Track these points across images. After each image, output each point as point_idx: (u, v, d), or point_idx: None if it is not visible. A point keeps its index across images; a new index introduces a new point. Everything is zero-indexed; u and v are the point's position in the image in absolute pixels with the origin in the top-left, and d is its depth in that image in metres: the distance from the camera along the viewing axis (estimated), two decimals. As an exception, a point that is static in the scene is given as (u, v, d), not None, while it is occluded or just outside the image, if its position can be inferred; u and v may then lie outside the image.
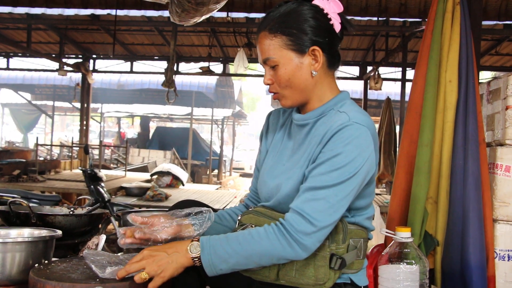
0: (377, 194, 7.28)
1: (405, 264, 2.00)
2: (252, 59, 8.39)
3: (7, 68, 10.84)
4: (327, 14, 1.56)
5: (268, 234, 1.43)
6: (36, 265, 1.73)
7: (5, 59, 10.54)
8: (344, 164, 1.43)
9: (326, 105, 1.59)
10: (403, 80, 7.37)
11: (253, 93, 31.74)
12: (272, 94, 1.63)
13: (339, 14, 1.58)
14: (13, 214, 2.41)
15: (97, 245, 2.52)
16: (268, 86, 1.62)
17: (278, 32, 1.54)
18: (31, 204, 2.52)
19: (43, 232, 1.94)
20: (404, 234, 2.03)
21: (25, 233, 1.97)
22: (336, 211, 1.45)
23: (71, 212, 2.68)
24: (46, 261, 1.79)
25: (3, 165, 8.15)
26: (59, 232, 1.92)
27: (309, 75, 1.56)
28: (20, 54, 10.39)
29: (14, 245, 1.71)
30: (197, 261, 1.45)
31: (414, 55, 8.85)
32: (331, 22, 1.56)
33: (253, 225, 1.56)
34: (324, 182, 1.43)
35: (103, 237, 2.23)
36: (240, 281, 1.55)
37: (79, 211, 2.75)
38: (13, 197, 5.66)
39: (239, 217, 1.66)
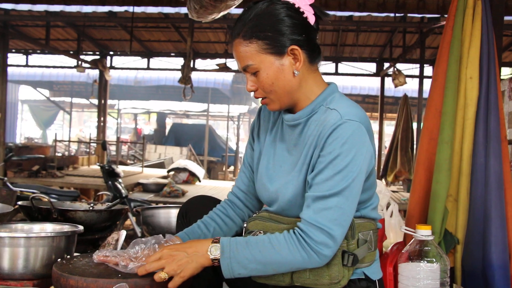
0: (394, 191, 7.23)
1: (425, 262, 1.98)
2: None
3: (26, 65, 10.95)
4: (299, 8, 1.51)
5: (288, 245, 1.42)
6: (59, 259, 1.75)
7: (24, 56, 10.66)
8: (344, 165, 1.42)
9: (315, 102, 1.55)
10: (421, 76, 7.30)
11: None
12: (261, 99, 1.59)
13: (310, 5, 1.53)
14: (35, 209, 2.44)
15: (117, 240, 2.54)
16: (253, 92, 1.58)
17: (253, 37, 1.49)
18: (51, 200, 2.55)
19: (66, 227, 1.97)
20: (424, 232, 2.02)
21: (48, 228, 2.00)
22: (349, 216, 1.45)
23: (91, 208, 2.70)
24: (68, 256, 1.81)
25: (23, 160, 8.26)
26: (81, 227, 1.95)
27: (292, 76, 1.51)
28: (38, 51, 10.50)
29: (38, 240, 1.74)
30: (216, 262, 1.45)
31: (432, 52, 8.76)
32: (305, 16, 1.52)
33: (261, 232, 1.55)
34: (331, 189, 1.42)
35: (123, 233, 2.25)
36: (255, 281, 1.55)
37: (99, 206, 2.79)
38: (34, 193, 5.75)
39: (245, 224, 1.66)
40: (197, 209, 1.82)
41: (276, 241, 1.43)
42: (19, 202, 2.57)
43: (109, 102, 11.68)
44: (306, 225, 1.43)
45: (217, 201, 1.89)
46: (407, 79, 9.54)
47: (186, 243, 1.51)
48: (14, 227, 1.97)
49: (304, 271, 1.47)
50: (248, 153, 1.80)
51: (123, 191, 6.27)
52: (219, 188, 8.42)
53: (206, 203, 1.87)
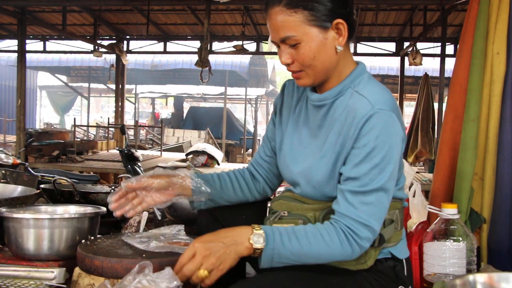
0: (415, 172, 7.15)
1: (451, 241, 1.95)
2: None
3: (44, 51, 11.02)
4: None
5: (340, 241, 1.38)
6: (83, 241, 1.77)
7: (42, 42, 10.72)
8: (381, 158, 1.39)
9: (344, 83, 1.50)
10: (442, 55, 7.15)
11: (287, 72, 31.38)
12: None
13: None
14: (57, 192, 2.46)
15: (138, 222, 2.55)
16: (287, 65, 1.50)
17: (298, 6, 1.39)
18: (73, 183, 2.56)
19: (89, 209, 1.97)
20: (450, 211, 1.99)
21: (71, 210, 2.01)
22: (387, 208, 1.44)
23: (112, 190, 2.71)
24: (92, 237, 1.82)
25: (43, 146, 8.35)
26: (104, 208, 1.95)
27: (334, 51, 1.45)
28: (56, 37, 10.54)
29: (62, 221, 1.75)
30: (258, 252, 1.37)
31: (454, 30, 8.59)
32: None
33: (285, 212, 1.54)
34: (370, 183, 1.39)
35: (145, 215, 2.26)
36: None
37: (120, 189, 2.79)
38: (54, 177, 5.81)
39: (269, 204, 1.63)
40: None
41: (326, 234, 1.38)
42: (42, 185, 2.60)
43: (127, 86, 11.71)
44: (350, 221, 1.39)
45: None
46: (429, 59, 9.41)
47: (221, 232, 1.40)
48: (38, 209, 1.98)
49: None
50: (270, 128, 1.74)
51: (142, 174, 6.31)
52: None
53: None
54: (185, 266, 1.33)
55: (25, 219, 1.73)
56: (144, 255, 1.58)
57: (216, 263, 1.33)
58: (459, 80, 2.29)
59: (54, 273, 1.55)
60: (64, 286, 1.56)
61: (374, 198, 1.39)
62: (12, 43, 11.47)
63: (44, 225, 1.73)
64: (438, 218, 2.03)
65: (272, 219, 1.55)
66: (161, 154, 9.67)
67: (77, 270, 1.64)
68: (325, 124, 1.52)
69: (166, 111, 23.23)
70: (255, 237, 1.36)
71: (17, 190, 2.38)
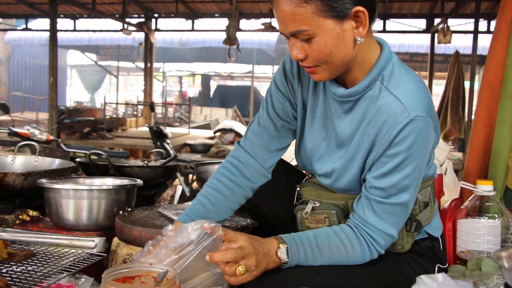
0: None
1: (486, 218, 1.94)
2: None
3: (74, 30, 11.14)
4: None
5: (362, 251, 1.35)
6: (121, 212, 1.81)
7: (72, 21, 10.84)
8: (412, 168, 1.30)
9: (371, 75, 1.33)
10: (475, 32, 6.97)
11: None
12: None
13: None
14: (93, 165, 2.51)
15: (171, 196, 2.60)
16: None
17: None
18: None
19: (126, 181, 2.02)
20: (486, 187, 1.96)
21: (108, 182, 2.05)
22: (409, 212, 1.40)
23: (145, 164, 2.76)
24: (129, 209, 1.87)
25: (74, 123, 8.51)
26: (140, 181, 1.99)
27: (353, 43, 1.27)
28: (85, 16, 10.64)
29: (101, 192, 1.79)
30: (283, 265, 1.31)
31: (488, 5, 8.34)
32: None
33: (317, 202, 1.48)
34: (398, 198, 1.32)
35: (179, 188, 2.29)
36: None
37: (153, 163, 2.84)
38: (86, 153, 5.92)
39: (298, 188, 1.58)
40: None
41: (350, 247, 1.34)
42: (77, 159, 2.65)
43: (154, 65, 11.78)
44: (375, 231, 1.35)
45: None
46: (459, 35, 9.19)
47: (255, 238, 1.30)
48: (77, 181, 2.03)
49: None
50: (279, 102, 1.53)
51: (171, 151, 6.38)
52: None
53: None
54: (230, 252, 1.23)
55: (65, 190, 1.78)
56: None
57: (252, 266, 1.25)
58: (497, 55, 2.24)
59: (95, 242, 1.60)
60: (104, 255, 1.61)
61: (400, 209, 1.35)
62: (43, 22, 11.63)
63: (84, 196, 1.77)
64: (473, 195, 2.01)
65: (305, 213, 1.49)
66: (189, 131, 9.75)
67: (115, 240, 1.69)
68: (348, 119, 1.40)
69: (193, 89, 23.33)
70: (281, 252, 1.30)
71: (55, 162, 2.44)
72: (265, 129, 1.55)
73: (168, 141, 6.75)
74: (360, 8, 1.23)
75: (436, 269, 1.54)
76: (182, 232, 1.29)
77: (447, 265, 1.57)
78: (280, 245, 1.30)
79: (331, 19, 1.22)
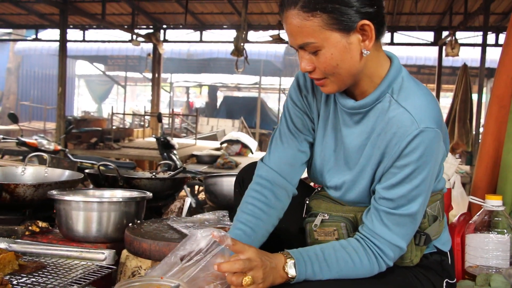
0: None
1: (495, 233, 1.93)
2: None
3: (83, 40, 11.25)
4: None
5: (370, 264, 1.35)
6: (130, 224, 1.82)
7: (81, 32, 10.94)
8: (422, 179, 1.31)
9: (380, 88, 1.35)
10: (484, 45, 6.97)
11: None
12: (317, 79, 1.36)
13: None
14: (102, 177, 2.53)
15: (179, 208, 2.61)
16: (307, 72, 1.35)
17: (316, 10, 1.23)
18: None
19: (135, 194, 2.02)
20: (495, 202, 1.96)
21: (118, 194, 2.06)
22: (418, 224, 1.40)
23: (154, 176, 2.78)
24: (138, 221, 1.87)
25: (82, 133, 8.56)
26: (150, 193, 2.00)
27: (359, 56, 1.29)
28: (95, 26, 10.75)
29: (111, 205, 1.81)
30: (291, 280, 1.32)
31: (496, 18, 8.35)
32: None
33: (326, 215, 1.49)
34: (407, 208, 1.33)
35: (188, 200, 2.30)
36: None
37: (161, 175, 2.86)
38: (93, 164, 5.94)
39: (307, 201, 1.58)
40: (253, 176, 1.77)
41: (358, 260, 1.35)
42: (86, 170, 2.67)
43: (162, 75, 11.85)
44: (383, 242, 1.35)
45: None
46: (467, 48, 9.19)
47: (263, 252, 1.32)
48: (87, 193, 2.05)
49: None
50: (297, 117, 1.54)
51: (178, 162, 6.40)
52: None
53: None
54: (238, 262, 1.25)
55: (75, 202, 1.80)
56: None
57: (260, 279, 1.26)
58: (506, 69, 2.24)
59: (104, 254, 1.61)
60: (114, 267, 1.62)
61: (409, 220, 1.34)
62: (53, 33, 11.75)
63: (94, 208, 1.79)
64: (482, 210, 2.01)
65: (314, 225, 1.50)
66: (195, 142, 9.78)
67: (124, 252, 1.70)
68: (361, 134, 1.41)
69: (200, 100, 23.41)
70: (288, 267, 1.31)
71: (64, 174, 2.46)
72: (288, 145, 1.55)
73: (175, 152, 6.77)
74: (366, 22, 1.26)
75: (445, 284, 1.53)
76: (191, 239, 1.30)
77: (455, 280, 1.56)
78: (288, 260, 1.31)
79: (337, 32, 1.25)
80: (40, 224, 1.97)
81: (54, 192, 1.89)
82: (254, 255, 1.26)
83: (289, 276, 1.30)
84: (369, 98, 1.36)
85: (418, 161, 1.28)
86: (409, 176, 1.30)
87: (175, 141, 7.28)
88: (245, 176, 1.77)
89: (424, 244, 1.44)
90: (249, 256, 1.26)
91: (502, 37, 8.64)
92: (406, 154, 1.29)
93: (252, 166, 1.78)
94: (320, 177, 1.55)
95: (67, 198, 1.80)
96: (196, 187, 5.93)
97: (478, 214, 2.01)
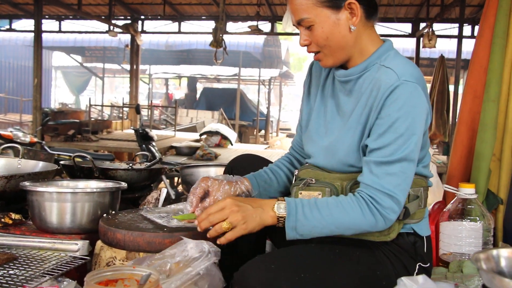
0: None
1: (468, 221, 1.96)
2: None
3: (59, 31, 11.05)
4: None
5: (361, 208, 1.40)
6: (105, 215, 1.80)
7: (57, 22, 10.75)
8: (405, 128, 1.40)
9: (369, 60, 1.52)
10: (460, 36, 7.05)
11: (300, 53, 31.19)
12: (313, 54, 1.56)
13: None
14: (77, 168, 2.49)
15: (156, 199, 2.59)
16: (306, 46, 1.55)
17: None
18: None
19: (110, 184, 2.00)
20: (468, 191, 1.99)
21: (92, 185, 2.04)
22: (411, 179, 1.45)
23: (130, 167, 2.75)
24: (113, 212, 1.86)
25: (59, 125, 8.44)
26: (125, 184, 1.98)
27: (348, 31, 1.48)
28: (71, 17, 10.57)
29: (84, 195, 1.78)
30: (281, 222, 1.42)
31: (472, 10, 8.45)
32: None
33: (313, 179, 1.56)
34: (394, 153, 1.40)
35: (164, 191, 2.29)
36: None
37: (138, 166, 2.83)
38: (70, 156, 5.87)
39: (296, 172, 1.66)
40: (243, 166, 1.81)
41: (347, 204, 1.41)
42: (62, 162, 2.63)
43: (140, 67, 11.74)
44: (372, 190, 1.41)
45: (264, 159, 1.89)
46: (444, 40, 9.28)
47: (249, 199, 1.48)
48: (60, 184, 2.02)
49: None
50: (301, 113, 1.77)
51: (157, 154, 6.35)
52: (252, 151, 8.42)
53: (253, 161, 1.87)
54: (212, 215, 1.40)
55: (48, 193, 1.77)
56: (165, 230, 1.61)
57: (240, 221, 1.38)
58: (479, 60, 2.27)
59: (78, 245, 1.59)
60: (88, 258, 1.60)
61: (398, 168, 1.41)
62: (28, 23, 11.53)
63: (67, 199, 1.76)
64: (455, 198, 2.04)
65: (300, 186, 1.57)
66: (175, 134, 9.73)
67: (99, 243, 1.68)
68: (351, 98, 1.55)
69: (179, 92, 23.25)
70: (277, 206, 1.42)
71: (38, 165, 2.42)
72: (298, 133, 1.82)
73: (153, 143, 6.72)
74: (352, 0, 1.45)
75: (417, 267, 1.55)
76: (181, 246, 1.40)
77: (429, 264, 1.59)
78: (278, 201, 1.43)
79: (327, 9, 1.46)
80: (13, 216, 1.94)
81: (26, 183, 1.86)
82: (228, 202, 1.40)
83: (278, 215, 1.41)
84: (358, 66, 1.54)
85: (399, 110, 1.40)
86: (392, 125, 1.41)
87: (154, 132, 7.22)
88: (235, 166, 1.87)
89: (403, 218, 1.49)
90: (223, 205, 1.40)
91: (477, 29, 8.76)
92: (388, 104, 1.41)
93: (242, 157, 1.93)
94: (312, 143, 1.65)
95: (39, 189, 1.77)
96: (176, 178, 5.90)
97: (452, 202, 2.05)
